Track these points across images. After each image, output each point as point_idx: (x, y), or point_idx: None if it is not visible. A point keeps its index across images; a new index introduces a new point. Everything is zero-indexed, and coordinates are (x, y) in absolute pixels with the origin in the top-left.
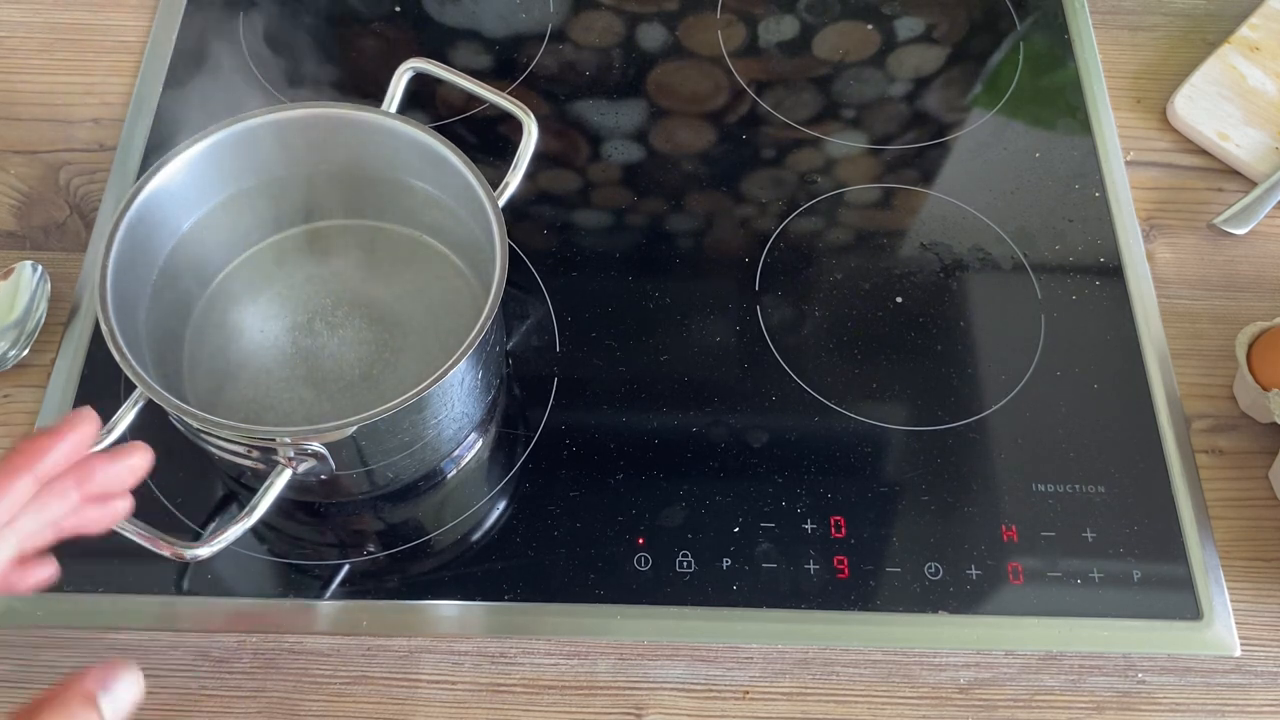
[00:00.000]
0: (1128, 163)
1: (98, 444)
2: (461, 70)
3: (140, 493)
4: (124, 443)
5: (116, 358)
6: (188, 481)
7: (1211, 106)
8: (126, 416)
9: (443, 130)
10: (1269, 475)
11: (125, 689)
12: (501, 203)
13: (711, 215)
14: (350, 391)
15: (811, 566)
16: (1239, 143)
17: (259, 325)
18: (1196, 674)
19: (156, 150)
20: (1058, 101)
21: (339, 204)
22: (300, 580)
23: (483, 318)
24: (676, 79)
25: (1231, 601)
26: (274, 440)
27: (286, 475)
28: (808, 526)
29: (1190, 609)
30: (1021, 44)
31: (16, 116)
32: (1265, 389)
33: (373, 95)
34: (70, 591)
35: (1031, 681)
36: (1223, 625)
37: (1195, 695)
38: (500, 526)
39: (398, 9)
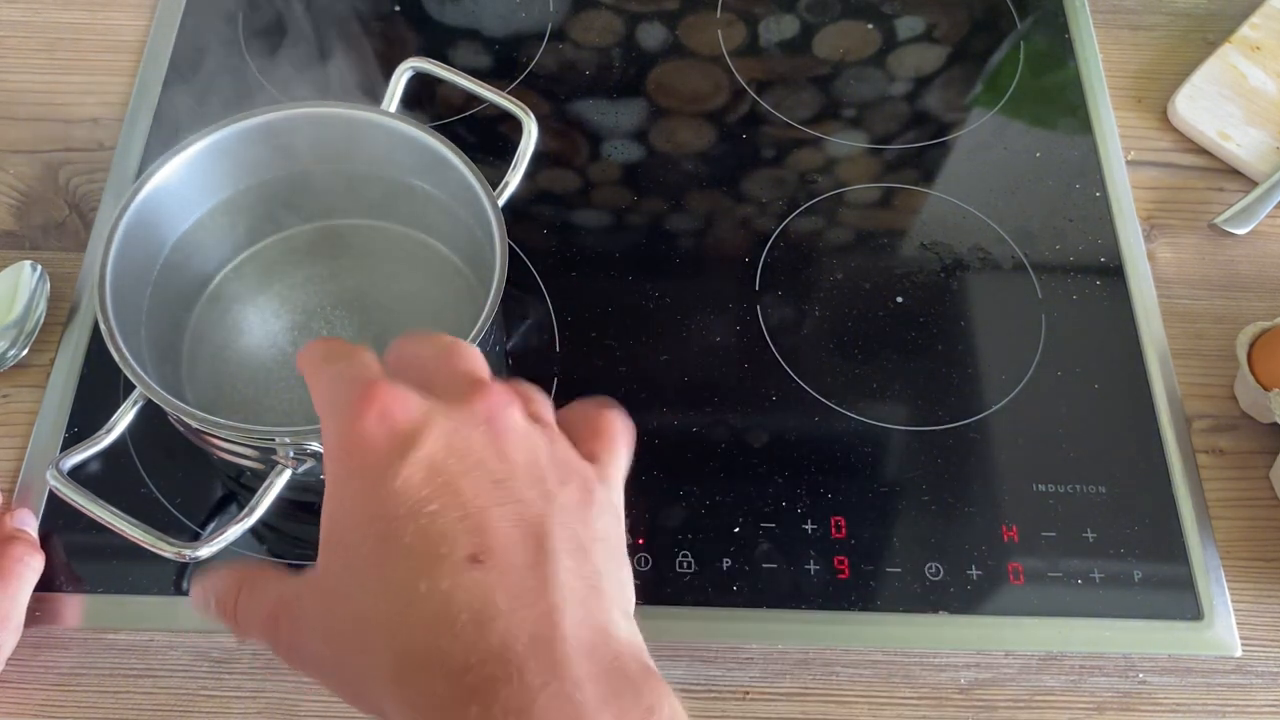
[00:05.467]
0: (1128, 162)
1: (99, 442)
2: (461, 70)
3: (140, 493)
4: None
5: (116, 358)
6: (188, 481)
7: (1212, 106)
8: (126, 416)
9: (443, 130)
10: (1269, 475)
11: (24, 517)
12: (501, 203)
13: (711, 215)
14: None
15: (811, 566)
16: (1240, 142)
17: (259, 325)
18: (1197, 674)
19: (156, 150)
20: (1058, 101)
21: (339, 204)
22: None
23: (483, 318)
24: (676, 79)
25: (1232, 601)
26: (274, 440)
27: (286, 475)
28: (808, 526)
29: (1191, 609)
30: (1022, 43)
31: (16, 116)
32: (1266, 389)
33: (373, 95)
34: (70, 591)
35: (1031, 682)
36: (1223, 625)
37: (1196, 695)
38: None
39: (398, 9)
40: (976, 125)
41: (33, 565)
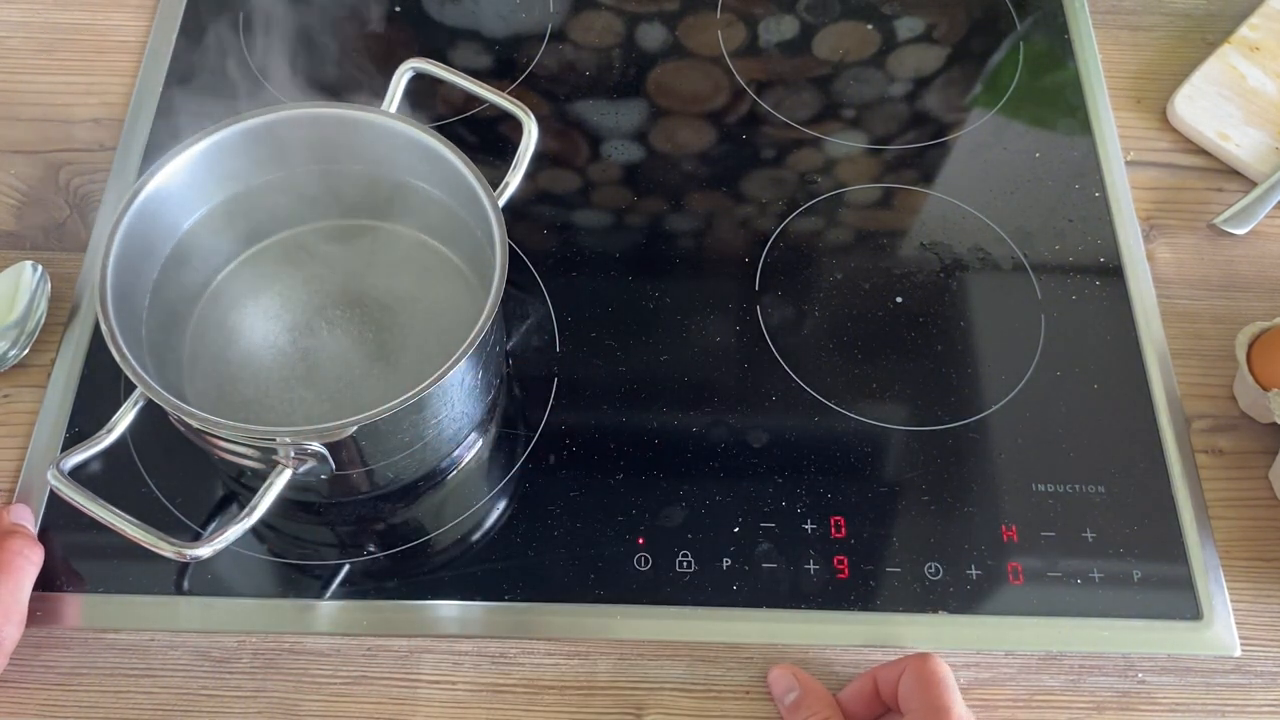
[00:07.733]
0: (1128, 163)
1: (100, 442)
2: (461, 70)
3: (141, 493)
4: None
5: (116, 358)
6: (188, 481)
7: (1211, 106)
8: (126, 416)
9: (443, 130)
10: (1269, 475)
11: (22, 512)
12: (501, 203)
13: (711, 215)
14: (350, 392)
15: (811, 566)
16: (1239, 143)
17: (259, 325)
18: (1196, 674)
19: (156, 150)
20: (1058, 101)
21: (339, 204)
22: (300, 580)
23: (483, 318)
24: (676, 79)
25: (1231, 601)
26: (274, 440)
27: (286, 475)
28: (808, 526)
29: (1190, 609)
30: (1021, 44)
31: (16, 116)
32: (1265, 389)
33: (373, 95)
34: (70, 591)
35: (1031, 681)
36: (1223, 625)
37: (1195, 695)
38: (500, 526)
39: (398, 9)
40: (976, 126)
41: (32, 559)
